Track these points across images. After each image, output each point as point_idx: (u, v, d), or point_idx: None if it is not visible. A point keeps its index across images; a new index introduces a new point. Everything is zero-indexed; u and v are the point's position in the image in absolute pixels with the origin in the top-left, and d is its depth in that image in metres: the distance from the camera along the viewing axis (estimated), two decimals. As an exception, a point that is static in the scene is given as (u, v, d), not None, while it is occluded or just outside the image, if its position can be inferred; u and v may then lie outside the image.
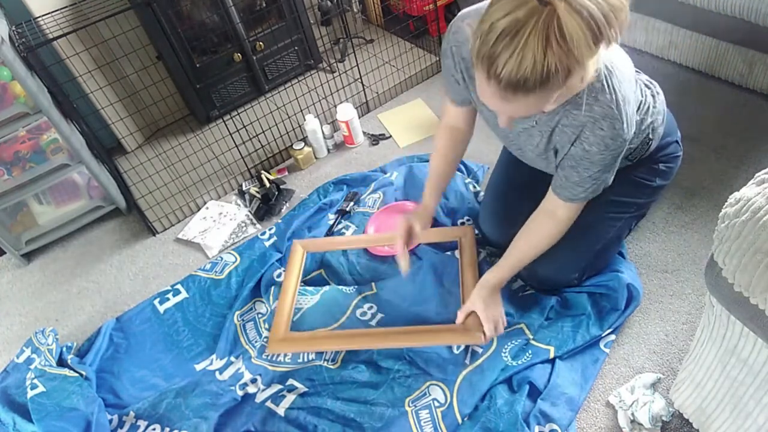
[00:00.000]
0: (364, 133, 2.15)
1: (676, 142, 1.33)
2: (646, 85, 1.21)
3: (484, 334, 1.25)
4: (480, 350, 1.33)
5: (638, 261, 1.47)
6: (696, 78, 1.97)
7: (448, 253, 1.56)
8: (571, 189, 1.11)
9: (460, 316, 1.30)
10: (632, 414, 1.16)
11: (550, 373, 1.26)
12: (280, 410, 1.31)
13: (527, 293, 1.43)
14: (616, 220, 1.32)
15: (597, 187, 1.11)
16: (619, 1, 0.76)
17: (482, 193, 1.71)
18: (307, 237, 1.74)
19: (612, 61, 0.98)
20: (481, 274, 1.45)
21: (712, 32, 1.85)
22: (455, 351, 1.34)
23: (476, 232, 1.59)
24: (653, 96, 1.21)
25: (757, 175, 0.81)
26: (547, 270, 1.35)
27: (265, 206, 1.91)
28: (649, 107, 1.18)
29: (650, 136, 1.23)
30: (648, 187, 1.33)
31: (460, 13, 1.11)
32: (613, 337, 1.32)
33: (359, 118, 2.19)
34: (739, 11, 1.67)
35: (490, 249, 1.55)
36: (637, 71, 1.25)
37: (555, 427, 1.17)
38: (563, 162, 1.09)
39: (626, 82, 0.99)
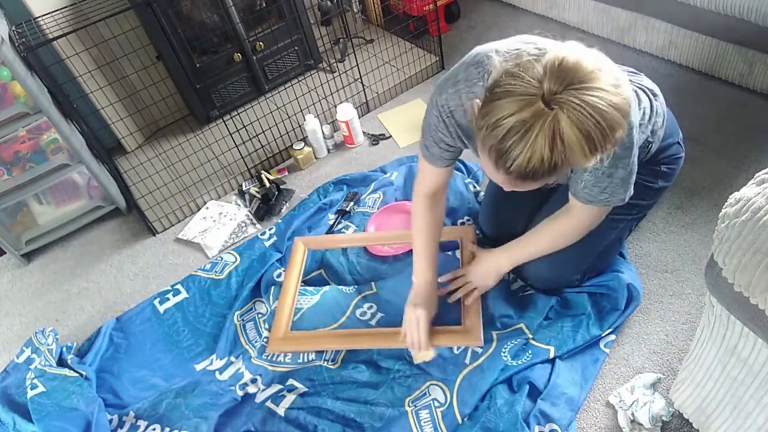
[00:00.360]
0: (364, 133, 2.15)
1: (678, 143, 1.32)
2: (642, 89, 1.19)
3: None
4: (480, 350, 1.33)
5: (638, 261, 1.47)
6: (696, 78, 1.97)
7: (449, 253, 1.56)
8: (593, 195, 1.09)
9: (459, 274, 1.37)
10: (632, 414, 1.16)
11: (550, 373, 1.26)
12: (280, 410, 1.31)
13: (527, 293, 1.43)
14: (619, 222, 1.32)
15: (621, 192, 1.08)
16: (616, 121, 0.78)
17: (482, 193, 1.71)
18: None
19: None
20: None
21: (712, 32, 1.85)
22: (455, 351, 1.34)
23: (477, 231, 1.59)
24: (651, 99, 1.20)
25: (757, 175, 0.81)
26: (550, 271, 1.35)
27: (265, 206, 1.91)
28: (645, 111, 1.17)
29: (650, 139, 1.22)
30: (650, 188, 1.32)
31: (439, 86, 1.10)
32: (613, 337, 1.32)
33: (359, 118, 2.19)
34: (739, 11, 1.67)
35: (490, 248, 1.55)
36: (635, 73, 1.24)
37: (555, 427, 1.17)
38: (578, 174, 1.08)
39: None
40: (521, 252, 1.31)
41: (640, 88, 1.18)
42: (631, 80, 1.15)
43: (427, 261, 1.32)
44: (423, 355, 1.31)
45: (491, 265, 1.36)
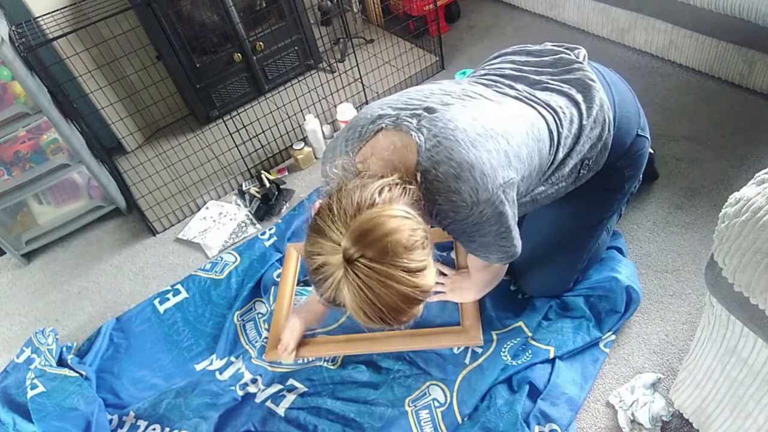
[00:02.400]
0: (364, 133, 2.14)
1: (638, 135, 1.16)
2: (572, 101, 1.05)
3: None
4: (480, 350, 1.33)
5: (638, 261, 1.47)
6: (696, 78, 1.97)
7: (444, 253, 1.56)
8: (482, 254, 1.06)
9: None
10: (632, 414, 1.16)
11: (550, 373, 1.26)
12: (280, 410, 1.31)
13: (526, 296, 1.43)
14: (597, 231, 1.31)
15: (506, 249, 1.03)
16: (397, 310, 0.79)
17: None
18: (307, 237, 1.74)
19: (438, 141, 0.91)
20: None
21: (712, 32, 1.85)
22: (455, 351, 1.34)
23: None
24: (581, 110, 1.05)
25: (757, 175, 0.81)
26: (541, 284, 1.37)
27: (265, 206, 1.91)
28: (560, 136, 1.04)
29: (587, 156, 1.10)
30: (618, 193, 1.25)
31: (325, 153, 1.10)
32: (613, 337, 1.32)
33: (359, 118, 2.19)
34: (739, 11, 1.67)
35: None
36: (567, 67, 1.09)
37: (555, 427, 1.17)
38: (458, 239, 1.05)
39: (456, 151, 0.91)
40: (477, 288, 1.30)
41: (570, 100, 1.06)
42: (562, 90, 1.06)
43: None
44: (285, 356, 1.34)
45: (462, 286, 1.35)
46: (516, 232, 1.02)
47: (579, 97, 1.06)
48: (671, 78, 2.00)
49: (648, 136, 1.21)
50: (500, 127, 0.96)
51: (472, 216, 0.93)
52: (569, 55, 1.12)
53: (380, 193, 0.81)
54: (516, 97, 1.05)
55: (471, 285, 1.32)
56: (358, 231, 0.77)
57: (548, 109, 1.03)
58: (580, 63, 1.11)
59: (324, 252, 0.79)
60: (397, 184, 0.84)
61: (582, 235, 1.30)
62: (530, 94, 1.06)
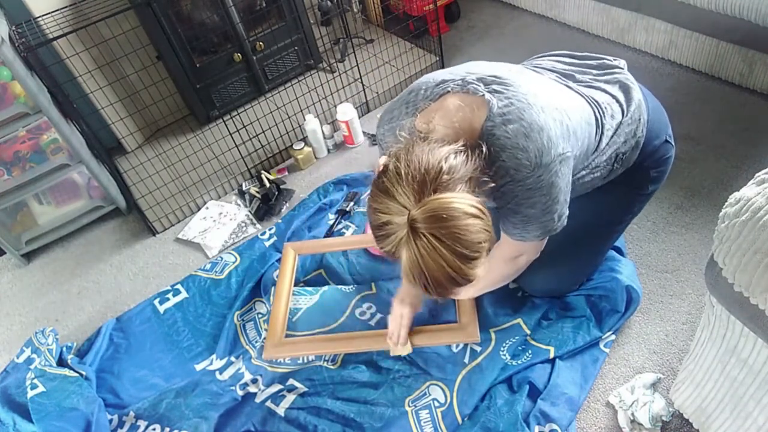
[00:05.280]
0: (364, 133, 2.14)
1: (666, 141, 1.22)
2: (615, 99, 1.10)
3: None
4: (479, 348, 1.33)
5: (638, 261, 1.47)
6: (696, 78, 1.97)
7: None
8: (514, 228, 1.06)
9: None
10: (632, 414, 1.16)
11: (550, 373, 1.26)
12: (280, 410, 1.31)
13: (526, 294, 1.43)
14: (614, 233, 1.31)
15: (546, 224, 1.03)
16: (444, 285, 0.83)
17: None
18: (307, 237, 1.75)
19: (509, 101, 0.95)
20: None
21: (712, 32, 1.85)
22: (454, 350, 1.34)
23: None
24: (622, 105, 1.11)
25: (757, 175, 0.81)
26: (549, 284, 1.36)
27: (265, 206, 1.91)
28: (603, 127, 1.08)
29: (621, 149, 1.14)
30: (641, 195, 1.27)
31: (381, 118, 1.13)
32: (613, 337, 1.32)
33: (359, 118, 2.19)
34: (739, 11, 1.67)
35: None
36: (614, 68, 1.15)
37: (555, 427, 1.17)
38: (503, 210, 1.06)
39: (528, 113, 0.94)
40: (479, 284, 1.27)
41: (612, 97, 1.10)
42: (605, 80, 1.11)
43: None
44: (400, 349, 1.33)
45: (473, 283, 1.35)
46: (563, 207, 1.04)
47: (620, 96, 1.12)
48: (671, 78, 2.00)
49: (674, 144, 1.26)
50: (562, 103, 1.00)
51: (531, 179, 0.96)
52: (611, 61, 1.19)
53: (446, 160, 0.84)
54: (566, 86, 1.10)
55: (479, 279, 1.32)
56: (433, 211, 0.80)
57: (593, 102, 1.08)
58: (621, 68, 1.17)
59: (390, 212, 0.83)
60: (461, 151, 0.87)
61: (601, 234, 1.30)
62: (577, 88, 1.10)
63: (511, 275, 1.23)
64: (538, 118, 0.94)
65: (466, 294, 1.35)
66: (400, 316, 1.31)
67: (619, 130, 1.11)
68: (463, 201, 0.81)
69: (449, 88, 1.00)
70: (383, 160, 0.91)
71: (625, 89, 1.13)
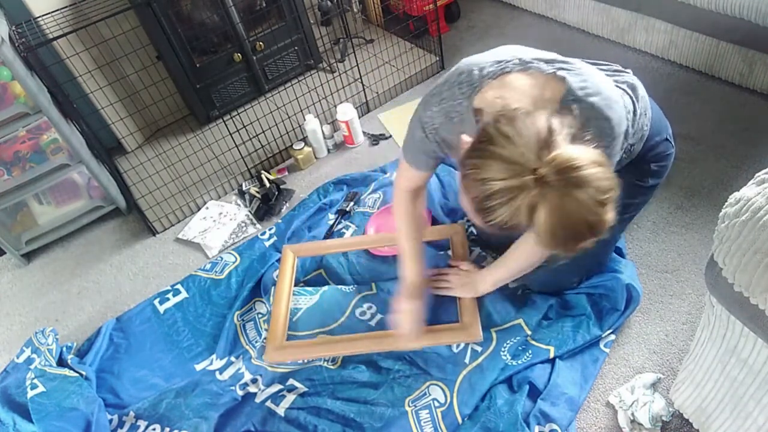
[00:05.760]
0: (364, 133, 2.15)
1: (666, 139, 1.28)
2: (623, 90, 1.17)
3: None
4: (479, 349, 1.33)
5: (638, 261, 1.47)
6: (696, 78, 1.97)
7: (441, 252, 1.56)
8: None
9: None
10: (632, 414, 1.16)
11: (550, 373, 1.26)
12: (280, 410, 1.31)
13: (526, 292, 1.43)
14: (614, 225, 1.31)
15: None
16: (582, 237, 0.81)
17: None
18: (307, 237, 1.75)
19: (583, 77, 0.98)
20: None
21: (712, 32, 1.85)
22: (455, 350, 1.34)
23: (475, 232, 1.60)
24: (633, 100, 1.17)
25: (757, 175, 0.81)
26: (548, 276, 1.36)
27: (265, 206, 1.91)
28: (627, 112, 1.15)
29: (630, 141, 1.18)
30: (641, 188, 1.30)
31: (425, 101, 1.10)
32: (613, 337, 1.32)
33: (359, 118, 2.19)
34: (739, 11, 1.67)
35: (486, 248, 1.56)
36: (620, 71, 1.21)
37: (555, 427, 1.17)
38: None
39: (603, 87, 0.99)
40: (501, 273, 1.32)
41: (624, 92, 1.16)
42: (615, 81, 1.14)
43: (416, 255, 1.33)
44: (413, 344, 1.33)
45: (476, 279, 1.37)
46: None
47: (630, 92, 1.16)
48: (671, 78, 2.00)
49: (674, 144, 1.30)
50: (611, 86, 1.04)
51: (608, 148, 0.98)
52: (617, 66, 1.23)
53: (550, 120, 0.83)
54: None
55: (488, 273, 1.33)
56: (561, 164, 0.79)
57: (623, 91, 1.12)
58: (627, 72, 1.22)
59: (507, 176, 0.80)
60: (557, 114, 0.87)
61: None
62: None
63: (531, 264, 1.25)
64: (612, 92, 0.99)
65: (474, 290, 1.37)
66: (410, 311, 1.31)
67: (633, 121, 1.15)
68: (584, 151, 0.81)
69: (508, 68, 1.00)
70: (466, 138, 0.90)
71: (633, 87, 1.17)
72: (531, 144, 0.80)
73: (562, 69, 0.99)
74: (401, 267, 1.33)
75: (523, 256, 1.25)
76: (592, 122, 0.95)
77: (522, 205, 0.80)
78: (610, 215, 0.82)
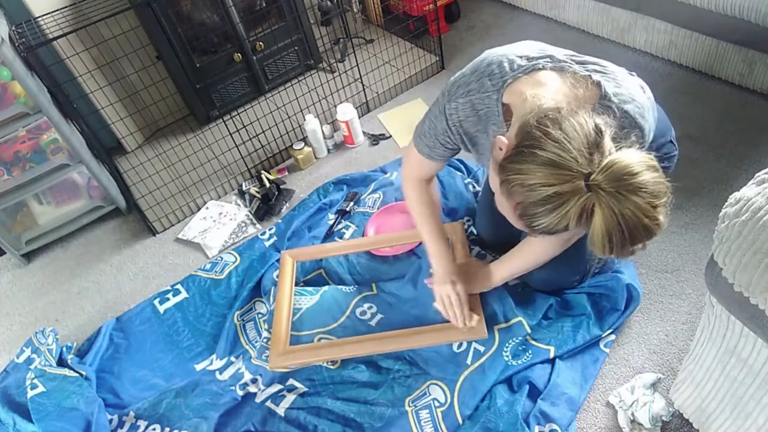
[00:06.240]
0: (364, 133, 2.15)
1: (671, 141, 1.28)
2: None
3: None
4: (482, 349, 1.33)
5: (638, 261, 1.47)
6: (696, 78, 1.97)
7: None
8: None
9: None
10: (632, 414, 1.16)
11: (550, 373, 1.26)
12: (280, 410, 1.31)
13: (526, 290, 1.43)
14: None
15: None
16: (639, 239, 0.79)
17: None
18: (307, 237, 1.75)
19: (618, 81, 0.97)
20: None
21: (712, 32, 1.85)
22: (456, 350, 1.34)
23: (474, 232, 1.60)
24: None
25: (757, 175, 0.81)
26: (548, 274, 1.35)
27: (265, 206, 1.91)
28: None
29: None
30: None
31: (450, 92, 1.07)
32: (613, 337, 1.32)
33: (359, 118, 2.19)
34: (739, 11, 1.67)
35: (486, 248, 1.56)
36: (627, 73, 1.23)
37: (555, 427, 1.17)
38: None
39: (636, 95, 0.98)
40: (510, 266, 1.31)
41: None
42: None
43: (440, 239, 1.32)
44: (473, 324, 1.31)
45: (489, 270, 1.35)
46: None
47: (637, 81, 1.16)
48: (671, 78, 2.00)
49: (677, 147, 1.30)
50: (641, 92, 1.04)
51: None
52: (624, 69, 1.22)
53: (595, 121, 0.81)
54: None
55: (501, 264, 1.32)
56: (615, 170, 0.77)
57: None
58: (633, 75, 1.20)
59: (558, 182, 0.78)
60: (598, 113, 0.86)
61: None
62: None
63: (562, 249, 1.23)
64: (643, 100, 0.98)
65: (485, 283, 1.35)
66: (456, 295, 1.29)
67: None
68: (637, 155, 0.79)
69: (540, 65, 0.98)
70: (502, 137, 0.87)
71: (641, 87, 1.17)
72: (582, 148, 0.78)
73: (597, 72, 0.97)
74: (431, 257, 1.32)
75: (541, 249, 1.23)
76: (624, 130, 0.93)
77: (572, 210, 0.78)
78: (664, 218, 0.81)
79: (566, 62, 0.98)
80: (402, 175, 1.31)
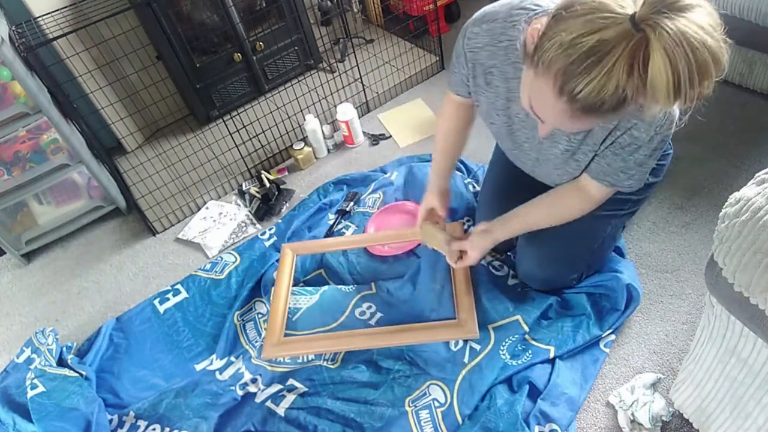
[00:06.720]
0: (364, 133, 2.15)
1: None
2: None
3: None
4: (478, 347, 1.33)
5: (638, 261, 1.47)
6: (696, 78, 1.97)
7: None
8: (614, 175, 1.06)
9: (454, 246, 1.32)
10: (632, 414, 1.16)
11: (550, 373, 1.26)
12: (280, 410, 1.31)
13: (525, 289, 1.43)
14: (610, 218, 1.31)
15: (642, 175, 1.05)
16: (708, 67, 0.70)
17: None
18: (307, 237, 1.75)
19: None
20: (472, 270, 1.46)
21: (712, 32, 1.85)
22: (453, 348, 1.34)
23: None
24: None
25: (757, 175, 0.81)
26: (546, 272, 1.35)
27: (265, 206, 1.91)
28: None
29: None
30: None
31: (476, 17, 1.05)
32: (613, 337, 1.32)
33: (359, 118, 2.19)
34: (739, 11, 1.67)
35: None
36: None
37: (555, 427, 1.17)
38: (604, 151, 1.03)
39: None
40: (515, 221, 1.24)
41: None
42: None
43: (447, 157, 1.34)
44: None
45: (493, 227, 1.27)
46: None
47: None
48: (671, 78, 2.00)
49: (671, 144, 1.28)
50: None
51: (659, 128, 0.95)
52: None
53: None
54: None
55: (512, 216, 1.25)
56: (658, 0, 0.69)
57: None
58: None
59: (601, 27, 0.69)
60: None
61: (597, 218, 1.27)
62: None
63: (577, 210, 1.18)
64: None
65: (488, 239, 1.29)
66: (426, 207, 1.34)
67: None
68: None
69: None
70: (536, 23, 0.79)
71: None
72: None
73: None
74: (431, 169, 1.37)
75: (561, 205, 1.17)
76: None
77: (621, 61, 0.69)
78: (725, 46, 0.71)
79: None
80: (445, 98, 1.30)
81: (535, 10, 0.97)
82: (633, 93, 0.72)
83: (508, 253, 1.52)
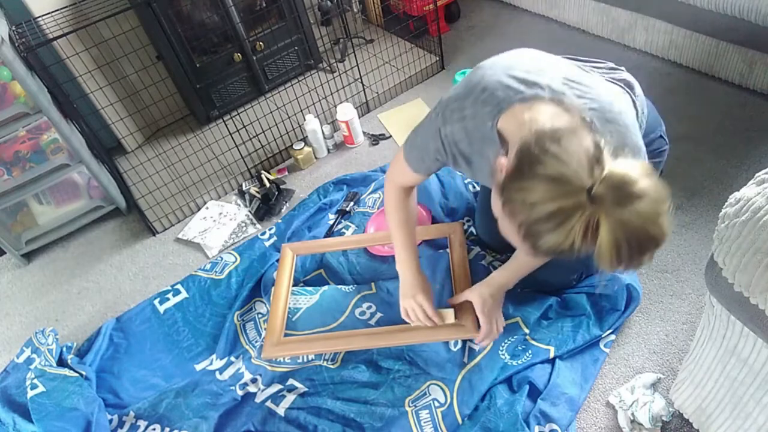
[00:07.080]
0: (364, 133, 2.15)
1: (661, 136, 1.28)
2: (621, 87, 1.17)
3: (478, 328, 1.27)
4: (477, 347, 1.33)
5: (638, 261, 1.47)
6: (696, 78, 1.97)
7: (440, 251, 1.56)
8: None
9: (453, 301, 1.34)
10: (632, 414, 1.16)
11: (550, 373, 1.26)
12: (280, 410, 1.31)
13: (525, 290, 1.43)
14: None
15: None
16: (648, 248, 0.77)
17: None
18: (307, 237, 1.75)
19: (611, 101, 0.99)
20: (472, 270, 1.46)
21: (712, 32, 1.85)
22: (452, 348, 1.34)
23: (474, 231, 1.60)
24: (632, 98, 1.16)
25: (757, 175, 0.81)
26: (545, 273, 1.35)
27: (265, 206, 1.91)
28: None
29: None
30: None
31: (442, 115, 1.07)
32: (613, 337, 1.32)
33: (359, 118, 2.19)
34: (739, 11, 1.67)
35: (485, 248, 1.56)
36: (615, 68, 1.21)
37: (555, 427, 1.17)
38: None
39: (626, 114, 1.01)
40: (511, 266, 1.29)
41: (616, 83, 1.16)
42: (612, 78, 1.15)
43: (411, 250, 1.32)
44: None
45: (485, 291, 1.30)
46: None
47: (628, 90, 1.16)
48: (671, 78, 2.00)
49: (668, 142, 1.29)
50: (623, 104, 1.06)
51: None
52: (611, 64, 1.22)
53: (592, 136, 0.81)
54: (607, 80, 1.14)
55: (500, 278, 1.30)
56: (615, 180, 0.76)
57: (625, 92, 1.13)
58: (622, 70, 1.21)
59: (559, 197, 0.77)
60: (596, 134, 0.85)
61: None
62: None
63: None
64: (638, 140, 1.00)
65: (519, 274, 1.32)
66: (419, 307, 1.29)
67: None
68: (634, 164, 0.78)
69: (540, 96, 0.97)
70: (503, 159, 0.87)
71: (629, 85, 1.17)
72: (582, 162, 0.77)
73: (588, 107, 0.97)
74: (399, 265, 1.32)
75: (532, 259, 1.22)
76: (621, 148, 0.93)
77: (576, 225, 0.77)
78: (668, 225, 0.79)
79: (564, 95, 0.97)
80: (386, 175, 1.31)
81: (497, 103, 0.99)
82: (586, 248, 0.79)
83: (508, 254, 1.52)
